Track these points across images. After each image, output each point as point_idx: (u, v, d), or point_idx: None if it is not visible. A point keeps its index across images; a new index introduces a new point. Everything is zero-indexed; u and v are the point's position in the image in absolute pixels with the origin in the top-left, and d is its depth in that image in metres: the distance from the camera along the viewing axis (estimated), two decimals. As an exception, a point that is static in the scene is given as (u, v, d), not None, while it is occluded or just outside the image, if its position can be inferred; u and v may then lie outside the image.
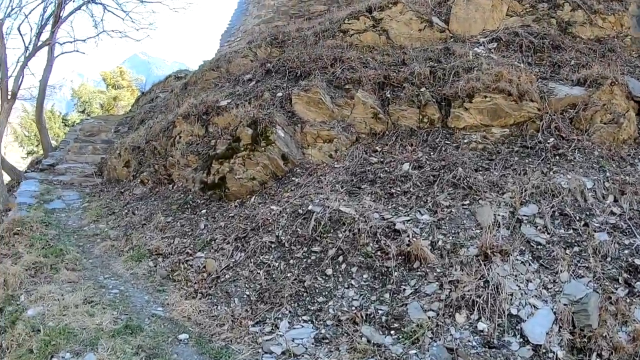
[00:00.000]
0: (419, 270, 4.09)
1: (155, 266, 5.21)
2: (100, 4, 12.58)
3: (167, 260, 5.25)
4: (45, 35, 11.11)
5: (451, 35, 7.80)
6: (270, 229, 5.02)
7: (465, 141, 5.70)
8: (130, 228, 6.24)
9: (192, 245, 5.36)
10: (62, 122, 26.23)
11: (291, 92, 6.77)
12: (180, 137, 7.59)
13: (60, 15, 11.18)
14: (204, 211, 6.08)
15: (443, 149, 5.65)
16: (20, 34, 10.84)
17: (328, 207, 4.87)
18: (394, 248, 4.27)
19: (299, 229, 4.83)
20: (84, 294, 4.30)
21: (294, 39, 8.57)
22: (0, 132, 8.74)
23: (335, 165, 5.94)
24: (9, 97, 9.32)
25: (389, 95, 6.51)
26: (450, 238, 4.34)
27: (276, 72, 7.69)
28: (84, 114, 26.37)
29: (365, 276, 4.20)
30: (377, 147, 6.07)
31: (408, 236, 4.35)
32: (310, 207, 5.00)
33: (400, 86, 6.49)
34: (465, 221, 4.52)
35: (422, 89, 6.28)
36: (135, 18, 13.12)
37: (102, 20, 12.95)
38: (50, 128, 25.04)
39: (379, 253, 4.33)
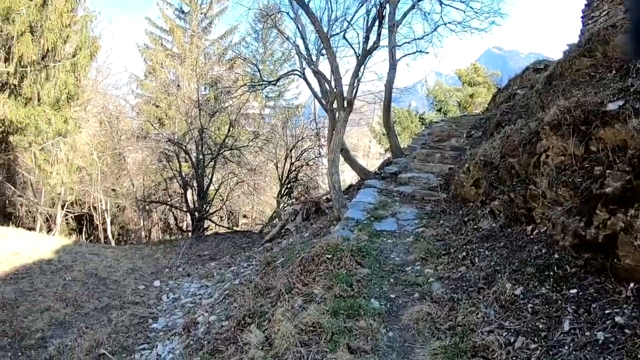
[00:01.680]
0: None
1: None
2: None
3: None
4: (372, 39, 10.64)
5: None
6: None
7: None
8: (461, 288, 4.47)
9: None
10: (420, 121, 27.08)
11: None
12: (547, 157, 5.36)
13: (383, 15, 10.46)
14: (573, 291, 3.65)
15: None
16: (348, 42, 10.74)
17: None
18: None
19: None
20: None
21: None
22: (338, 139, 8.50)
23: None
24: (345, 105, 9.06)
25: None
26: None
27: None
28: (440, 112, 26.62)
29: None
30: None
31: None
32: None
33: None
34: None
35: None
36: (476, 8, 11.32)
37: (441, 15, 11.63)
38: (407, 127, 26.23)
39: None
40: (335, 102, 9.36)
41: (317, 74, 10.48)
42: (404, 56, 12.35)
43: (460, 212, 6.93)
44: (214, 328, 5.81)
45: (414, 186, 9.12)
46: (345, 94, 9.14)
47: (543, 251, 4.42)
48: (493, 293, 4.03)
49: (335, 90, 9.25)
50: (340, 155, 12.36)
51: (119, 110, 22.61)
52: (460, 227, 6.18)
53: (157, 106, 23.20)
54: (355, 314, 4.10)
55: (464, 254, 5.25)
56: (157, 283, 10.45)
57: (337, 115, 9.13)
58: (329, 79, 9.79)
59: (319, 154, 20.61)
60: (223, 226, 21.98)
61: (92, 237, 21.28)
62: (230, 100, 20.62)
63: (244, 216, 27.39)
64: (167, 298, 9.30)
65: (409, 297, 4.53)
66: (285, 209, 15.40)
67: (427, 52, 12.08)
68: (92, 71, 19.45)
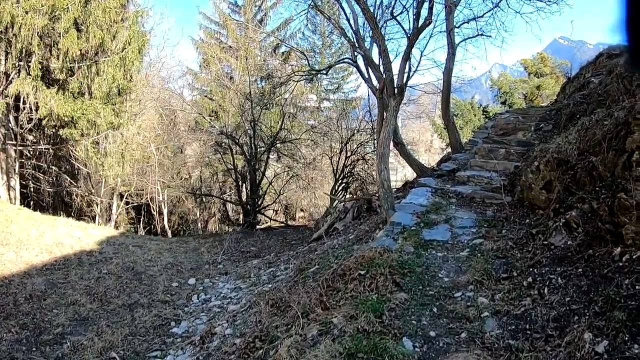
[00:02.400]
0: None
1: None
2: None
3: None
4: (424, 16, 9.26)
5: None
6: None
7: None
8: (522, 331, 3.35)
9: None
10: (483, 114, 25.47)
11: None
12: (635, 156, 4.21)
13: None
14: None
15: None
16: (397, 21, 9.09)
17: None
18: None
19: None
20: None
21: None
22: (388, 131, 7.53)
23: None
24: (396, 92, 8.00)
25: None
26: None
27: None
28: (505, 105, 24.94)
29: None
30: None
31: None
32: None
33: None
34: None
35: None
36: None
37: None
38: (470, 121, 24.64)
39: None
40: (385, 89, 8.36)
41: (365, 58, 9.52)
42: (463, 40, 11.13)
43: (527, 220, 5.78)
44: (226, 345, 5.13)
45: (474, 186, 7.99)
46: (396, 81, 8.14)
47: (638, 288, 3.30)
48: (566, 345, 2.94)
49: (384, 75, 8.24)
50: (397, 150, 11.40)
51: (176, 103, 22.76)
52: (526, 242, 5.06)
53: (211, 99, 23.12)
54: (376, 356, 3.15)
55: (530, 279, 4.17)
56: (192, 281, 10.09)
57: (387, 104, 8.15)
58: (378, 63, 8.80)
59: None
60: (277, 220, 21.72)
61: (149, 228, 21.65)
62: (280, 91, 20.13)
63: (301, 210, 27.04)
64: (198, 299, 8.91)
65: (454, 338, 3.48)
66: (336, 205, 14.62)
67: (490, 36, 10.75)
68: (146, 65, 19.70)
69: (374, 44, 9.51)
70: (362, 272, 4.50)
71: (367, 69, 10.03)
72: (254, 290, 8.33)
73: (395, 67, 8.47)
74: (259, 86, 23.36)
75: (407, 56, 8.19)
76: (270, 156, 20.32)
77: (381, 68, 8.55)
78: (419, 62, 11.77)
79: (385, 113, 8.29)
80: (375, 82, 9.58)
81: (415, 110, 24.77)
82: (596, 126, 5.34)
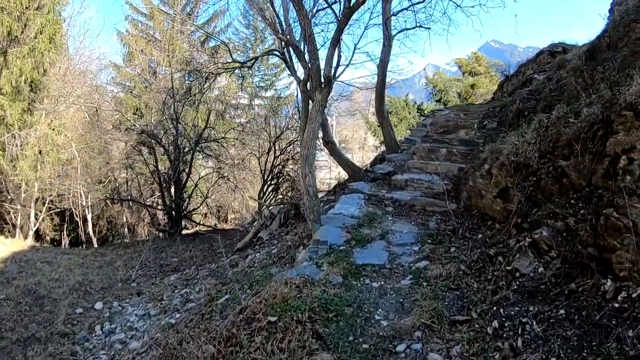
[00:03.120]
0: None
1: None
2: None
3: None
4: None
5: None
6: None
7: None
8: None
9: None
10: (418, 112, 25.09)
11: None
12: (629, 161, 3.27)
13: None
14: None
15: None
16: (327, 2, 7.80)
17: None
18: None
19: None
20: None
21: None
22: (313, 129, 6.37)
23: None
24: (322, 83, 6.77)
25: None
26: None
27: None
28: (440, 102, 24.72)
29: None
30: None
31: None
32: None
33: None
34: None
35: None
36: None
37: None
38: (404, 118, 24.09)
39: None
40: (311, 80, 7.09)
41: (288, 44, 8.22)
42: (401, 31, 10.14)
43: (480, 235, 4.78)
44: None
45: (413, 192, 6.97)
46: (323, 70, 6.90)
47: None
48: None
49: (309, 64, 7.00)
50: (327, 149, 10.25)
51: (99, 100, 20.59)
52: (483, 266, 4.01)
53: (136, 96, 21.19)
54: None
55: (496, 324, 3.10)
56: (99, 305, 8.67)
57: (314, 98, 6.91)
58: (303, 51, 7.49)
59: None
60: (205, 225, 20.15)
61: (74, 235, 19.48)
62: (204, 87, 18.61)
63: (233, 212, 25.58)
64: (102, 330, 7.58)
65: None
66: (263, 211, 13.33)
67: (429, 28, 9.81)
68: (64, 59, 17.53)
69: (300, 30, 8.17)
70: (273, 320, 3.26)
71: (291, 61, 8.73)
72: (161, 319, 7.12)
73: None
74: (187, 82, 21.67)
75: (336, 41, 6.94)
76: (201, 157, 19.11)
77: (306, 56, 7.23)
78: (352, 55, 10.73)
79: (310, 108, 7.07)
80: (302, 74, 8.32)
81: (349, 107, 24.03)
82: (559, 124, 4.41)
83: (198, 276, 9.64)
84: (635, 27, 5.39)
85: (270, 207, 12.43)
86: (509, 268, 3.73)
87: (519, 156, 4.57)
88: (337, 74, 7.24)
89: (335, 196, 9.33)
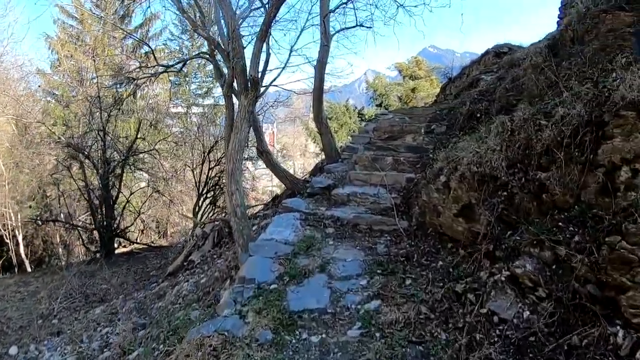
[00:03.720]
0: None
1: None
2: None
3: None
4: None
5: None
6: None
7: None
8: None
9: None
10: (359, 117, 24.66)
11: None
12: (635, 173, 2.55)
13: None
14: None
15: None
16: None
17: None
18: None
19: None
20: None
21: None
22: (239, 140, 5.41)
23: None
24: (250, 85, 5.74)
25: None
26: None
27: None
28: (381, 107, 24.44)
29: None
30: None
31: None
32: None
33: None
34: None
35: None
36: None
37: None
38: (345, 123, 23.52)
39: None
40: (235, 82, 6.03)
41: (209, 42, 7.15)
42: (340, 30, 9.36)
43: (441, 262, 3.96)
44: None
45: (357, 207, 6.08)
46: (249, 71, 5.87)
47: None
48: None
49: (233, 63, 5.95)
50: (262, 160, 9.25)
51: (25, 110, 18.65)
52: (450, 307, 3.16)
53: (62, 105, 19.38)
54: None
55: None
56: (13, 350, 7.47)
57: (238, 103, 5.89)
58: (227, 48, 6.40)
59: (246, 156, 17.57)
60: (140, 243, 18.65)
61: (5, 258, 17.40)
62: (131, 93, 17.20)
63: (172, 226, 24.15)
64: None
65: None
66: (195, 230, 12.21)
67: (370, 27, 9.08)
68: None
69: (224, 24, 7.06)
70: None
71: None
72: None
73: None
74: (119, 90, 20.10)
75: (264, 35, 5.94)
76: (133, 171, 17.85)
77: (230, 55, 6.15)
78: (289, 58, 9.86)
79: (235, 116, 6.02)
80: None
81: (289, 114, 23.29)
82: (527, 127, 3.66)
83: (124, 309, 8.51)
84: (606, 18, 4.82)
85: (204, 226, 11.34)
86: (483, 311, 2.91)
87: (482, 166, 3.79)
88: (273, 78, 6.28)
89: (273, 210, 8.39)
